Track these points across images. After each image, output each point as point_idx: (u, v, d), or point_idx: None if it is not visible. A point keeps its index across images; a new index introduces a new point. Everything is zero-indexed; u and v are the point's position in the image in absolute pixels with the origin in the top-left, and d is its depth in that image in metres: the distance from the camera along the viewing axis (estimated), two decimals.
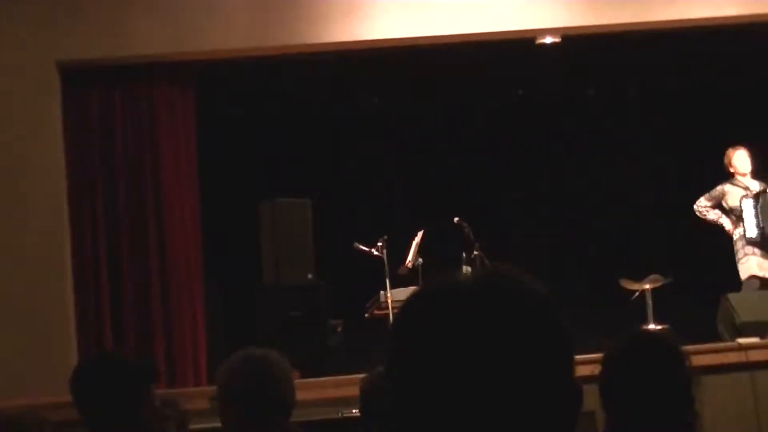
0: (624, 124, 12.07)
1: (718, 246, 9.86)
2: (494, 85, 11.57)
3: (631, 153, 12.00)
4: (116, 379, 3.62)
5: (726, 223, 9.74)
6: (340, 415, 7.56)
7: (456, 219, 9.84)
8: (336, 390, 7.97)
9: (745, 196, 9.68)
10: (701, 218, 9.83)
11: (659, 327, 8.99)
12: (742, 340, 8.51)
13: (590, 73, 11.66)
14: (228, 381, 3.61)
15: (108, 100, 9.44)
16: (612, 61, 11.00)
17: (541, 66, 10.75)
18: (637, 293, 9.74)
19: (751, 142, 9.95)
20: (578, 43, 9.77)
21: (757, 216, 9.61)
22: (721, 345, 8.60)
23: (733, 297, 9.17)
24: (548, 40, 9.62)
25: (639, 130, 12.06)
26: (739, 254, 9.74)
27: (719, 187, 9.82)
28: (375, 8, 9.26)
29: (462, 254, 9.67)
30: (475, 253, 9.66)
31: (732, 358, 8.29)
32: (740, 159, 9.81)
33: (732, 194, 9.77)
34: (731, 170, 9.86)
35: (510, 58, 10.39)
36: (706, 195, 9.82)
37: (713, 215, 9.77)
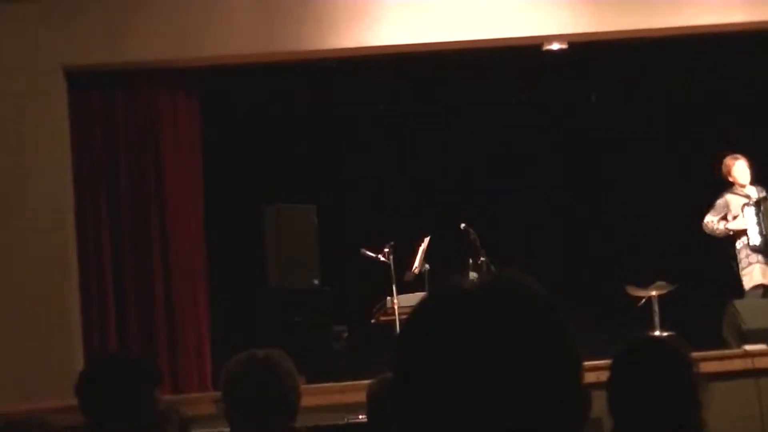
0: (630, 130, 12.05)
1: (724, 252, 9.84)
2: (500, 91, 11.55)
3: (638, 159, 11.98)
4: (123, 381, 3.61)
5: (735, 224, 9.68)
6: (345, 420, 7.55)
7: (462, 225, 9.84)
8: (341, 396, 7.96)
9: (746, 204, 9.66)
10: (712, 234, 9.78)
11: (666, 334, 8.98)
12: (748, 347, 8.50)
13: (596, 79, 11.65)
14: (230, 381, 3.60)
15: (112, 104, 9.45)
16: (618, 67, 10.99)
17: (548, 72, 10.74)
18: (644, 300, 9.74)
19: (758, 148, 9.93)
20: (585, 50, 9.76)
21: (759, 224, 9.60)
22: (727, 352, 8.59)
23: (739, 304, 9.17)
24: (555, 46, 9.61)
25: (645, 135, 12.04)
26: (743, 263, 9.71)
27: (721, 200, 9.78)
28: (381, 14, 9.25)
29: (468, 260, 9.67)
30: (482, 259, 9.67)
31: (738, 364, 8.28)
32: (740, 170, 9.78)
33: (733, 203, 9.75)
34: (730, 179, 9.83)
35: (516, 64, 10.38)
36: (711, 211, 9.79)
37: (722, 226, 9.74)
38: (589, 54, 10.03)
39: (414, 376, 1.33)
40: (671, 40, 9.67)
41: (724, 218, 9.76)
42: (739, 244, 9.75)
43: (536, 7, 9.32)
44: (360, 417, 7.33)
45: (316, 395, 7.89)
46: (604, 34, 9.45)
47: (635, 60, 10.69)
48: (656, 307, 9.62)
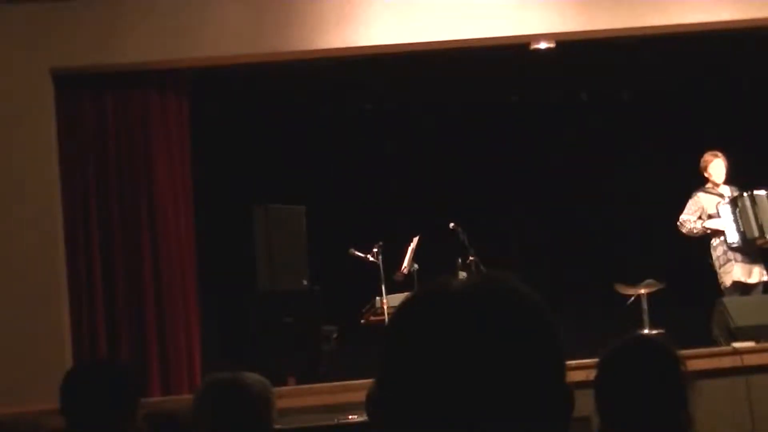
0: (619, 129, 12.08)
1: (702, 251, 9.85)
2: (489, 91, 11.57)
3: (626, 157, 12.01)
4: (103, 386, 3.60)
5: (713, 223, 9.68)
6: (335, 421, 7.55)
7: (451, 224, 9.85)
8: (331, 396, 7.96)
9: (722, 202, 9.65)
10: (689, 234, 9.75)
11: (655, 332, 9.00)
12: (737, 345, 8.52)
13: (585, 78, 11.67)
14: (194, 410, 3.58)
15: (101, 106, 9.43)
16: (606, 65, 11.01)
17: (536, 71, 10.75)
18: (633, 298, 9.75)
19: (745, 146, 9.95)
20: (572, 48, 9.77)
21: (736, 221, 9.58)
22: (716, 349, 8.61)
23: (727, 301, 9.18)
24: (542, 45, 9.62)
25: (633, 134, 12.07)
26: (721, 260, 9.69)
27: (694, 198, 9.74)
28: (369, 14, 9.26)
29: (457, 260, 9.68)
30: (471, 258, 9.67)
31: (727, 362, 8.30)
32: (717, 168, 9.76)
33: (707, 202, 9.73)
34: (705, 175, 9.82)
35: (504, 63, 10.39)
36: (685, 210, 9.75)
37: (699, 225, 9.71)
38: (577, 53, 10.04)
39: (398, 377, 1.33)
40: (659, 38, 9.68)
41: (699, 217, 9.74)
42: (714, 242, 9.73)
43: (523, 6, 9.33)
44: (350, 417, 7.34)
45: (306, 396, 7.89)
46: (592, 32, 9.46)
47: (623, 58, 10.71)
48: (645, 305, 9.63)
